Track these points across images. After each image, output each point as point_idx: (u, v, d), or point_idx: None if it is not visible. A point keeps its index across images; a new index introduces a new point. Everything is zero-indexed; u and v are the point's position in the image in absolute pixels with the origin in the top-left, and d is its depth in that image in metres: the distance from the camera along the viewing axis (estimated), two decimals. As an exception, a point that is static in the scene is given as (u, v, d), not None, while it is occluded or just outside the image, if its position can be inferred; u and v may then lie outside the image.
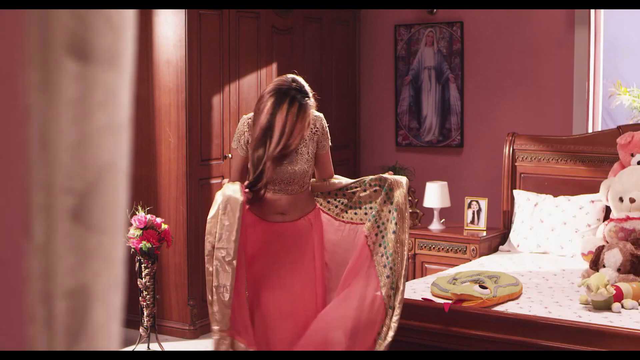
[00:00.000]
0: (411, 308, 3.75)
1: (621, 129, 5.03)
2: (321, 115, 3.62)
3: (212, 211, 3.42)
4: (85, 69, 0.84)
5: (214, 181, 5.50)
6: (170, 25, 5.28)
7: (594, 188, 5.04)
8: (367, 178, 3.65)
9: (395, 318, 3.42)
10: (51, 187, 0.83)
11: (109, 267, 0.87)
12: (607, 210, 4.91)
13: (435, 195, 5.54)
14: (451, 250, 5.28)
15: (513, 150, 5.43)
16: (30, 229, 0.84)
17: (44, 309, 0.84)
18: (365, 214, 3.58)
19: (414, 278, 5.21)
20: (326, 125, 3.63)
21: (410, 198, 6.26)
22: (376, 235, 3.53)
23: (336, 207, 3.65)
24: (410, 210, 6.04)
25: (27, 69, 0.84)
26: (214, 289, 3.37)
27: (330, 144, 3.67)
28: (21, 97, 0.85)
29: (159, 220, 4.80)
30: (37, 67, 0.83)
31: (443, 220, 5.59)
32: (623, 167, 4.81)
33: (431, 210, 5.67)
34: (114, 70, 0.85)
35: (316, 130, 3.57)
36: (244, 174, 3.59)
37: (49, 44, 0.83)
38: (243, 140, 3.55)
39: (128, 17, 0.86)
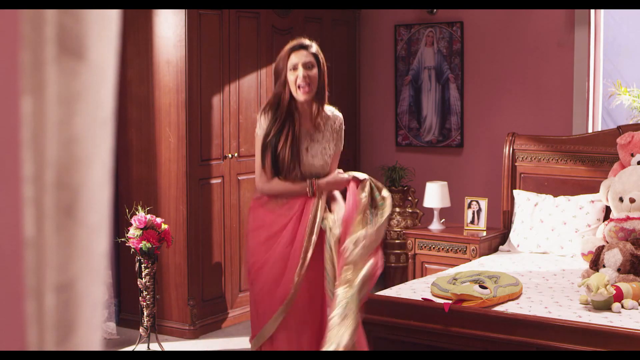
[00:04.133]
0: (411, 308, 3.75)
1: (621, 129, 5.03)
2: (340, 115, 3.77)
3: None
4: (66, 65, 0.84)
5: (214, 181, 5.50)
6: (170, 25, 5.28)
7: (594, 188, 5.04)
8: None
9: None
10: (41, 181, 0.83)
11: (95, 261, 0.87)
12: (607, 210, 4.90)
13: (435, 195, 5.54)
14: (451, 250, 5.28)
15: (513, 150, 5.42)
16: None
17: (35, 303, 0.84)
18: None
19: (414, 278, 5.21)
20: (343, 126, 3.78)
21: (410, 198, 6.28)
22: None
23: None
24: (410, 211, 6.06)
25: (18, 66, 0.84)
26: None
27: (342, 146, 3.78)
28: (12, 94, 0.85)
29: (159, 220, 4.79)
30: (26, 63, 0.83)
31: (443, 220, 5.59)
32: (623, 167, 4.81)
33: (431, 210, 5.67)
34: (87, 65, 0.85)
35: (335, 128, 3.72)
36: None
37: (37, 41, 0.83)
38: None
39: (105, 14, 0.86)
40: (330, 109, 3.73)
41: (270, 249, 3.56)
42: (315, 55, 3.61)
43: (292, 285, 3.50)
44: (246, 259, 3.73)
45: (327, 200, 3.61)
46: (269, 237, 3.56)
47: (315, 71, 3.58)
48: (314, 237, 3.50)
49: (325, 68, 3.67)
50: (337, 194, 3.68)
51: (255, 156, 3.70)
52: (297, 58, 3.57)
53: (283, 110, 3.58)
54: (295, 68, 3.56)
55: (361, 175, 3.64)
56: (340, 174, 3.65)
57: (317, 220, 3.53)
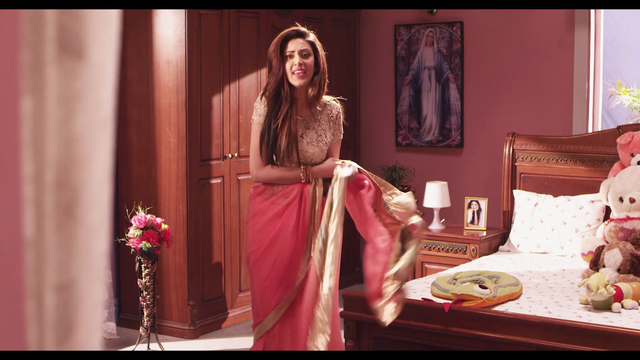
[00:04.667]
0: (411, 308, 3.75)
1: (621, 129, 5.03)
2: (337, 104, 3.81)
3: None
4: (66, 65, 0.84)
5: (214, 181, 5.50)
6: (170, 25, 5.28)
7: (594, 188, 5.04)
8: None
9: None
10: (41, 181, 0.83)
11: (95, 261, 0.87)
12: (607, 210, 4.90)
13: (435, 195, 5.54)
14: (451, 250, 5.28)
15: (513, 150, 5.42)
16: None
17: (35, 303, 0.84)
18: None
19: (414, 278, 5.21)
20: (342, 114, 3.80)
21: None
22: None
23: None
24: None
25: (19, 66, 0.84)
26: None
27: (341, 135, 3.81)
28: (12, 94, 0.85)
29: (159, 220, 4.79)
30: (26, 63, 0.83)
31: (443, 220, 5.59)
32: (623, 167, 4.81)
33: (431, 210, 5.67)
34: (87, 65, 0.85)
35: (331, 117, 3.75)
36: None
37: (37, 41, 0.83)
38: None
39: (105, 14, 0.86)
40: (327, 98, 3.76)
41: (267, 236, 3.58)
42: (312, 44, 3.64)
43: (297, 275, 3.54)
44: (245, 247, 3.76)
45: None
46: (265, 224, 3.60)
47: (311, 59, 3.62)
48: (316, 224, 3.54)
49: (323, 56, 3.69)
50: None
51: (250, 142, 3.73)
52: (293, 46, 3.61)
53: (280, 97, 3.61)
54: (291, 56, 3.60)
55: (355, 164, 3.69)
56: (333, 161, 3.69)
57: (317, 207, 3.56)
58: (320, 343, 3.31)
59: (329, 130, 3.71)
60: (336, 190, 3.47)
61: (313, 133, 3.66)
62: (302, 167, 3.62)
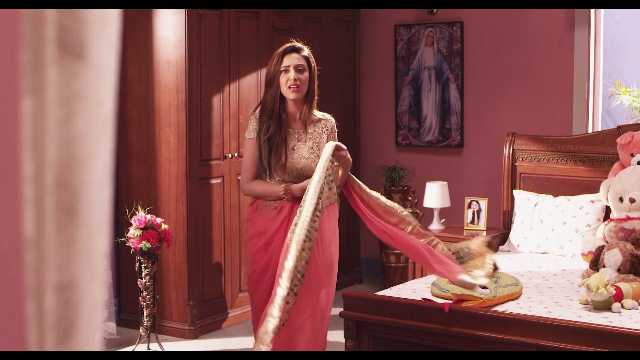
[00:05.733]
0: (411, 308, 3.75)
1: (621, 129, 5.03)
2: (332, 118, 3.86)
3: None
4: (66, 65, 0.84)
5: (214, 181, 5.50)
6: (170, 25, 5.28)
7: (594, 188, 5.04)
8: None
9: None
10: (41, 181, 0.83)
11: (95, 261, 0.87)
12: (607, 210, 4.90)
13: (435, 195, 5.54)
14: (451, 250, 5.27)
15: (513, 150, 5.42)
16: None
17: (35, 303, 0.84)
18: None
19: (414, 278, 5.21)
20: (336, 128, 3.85)
21: (410, 198, 6.27)
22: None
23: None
24: (410, 211, 6.05)
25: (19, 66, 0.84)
26: None
27: None
28: (12, 94, 0.85)
29: (159, 220, 4.79)
30: (26, 64, 0.83)
31: (443, 220, 5.59)
32: (623, 167, 4.81)
33: (431, 210, 5.67)
34: (88, 65, 0.85)
35: (326, 130, 3.78)
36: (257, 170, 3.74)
37: (37, 41, 0.83)
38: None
39: (106, 14, 0.86)
40: (321, 113, 3.82)
41: (266, 253, 3.60)
42: (306, 59, 3.70)
43: None
44: (246, 268, 3.79)
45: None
46: (264, 242, 3.62)
47: (306, 74, 3.69)
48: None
49: (316, 72, 3.78)
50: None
51: (243, 157, 3.78)
52: (289, 60, 3.67)
53: (272, 112, 3.66)
54: (286, 70, 3.66)
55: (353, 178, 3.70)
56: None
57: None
58: (261, 345, 3.20)
59: (322, 143, 3.73)
60: (325, 153, 3.47)
61: (304, 146, 3.70)
62: (283, 185, 3.63)
